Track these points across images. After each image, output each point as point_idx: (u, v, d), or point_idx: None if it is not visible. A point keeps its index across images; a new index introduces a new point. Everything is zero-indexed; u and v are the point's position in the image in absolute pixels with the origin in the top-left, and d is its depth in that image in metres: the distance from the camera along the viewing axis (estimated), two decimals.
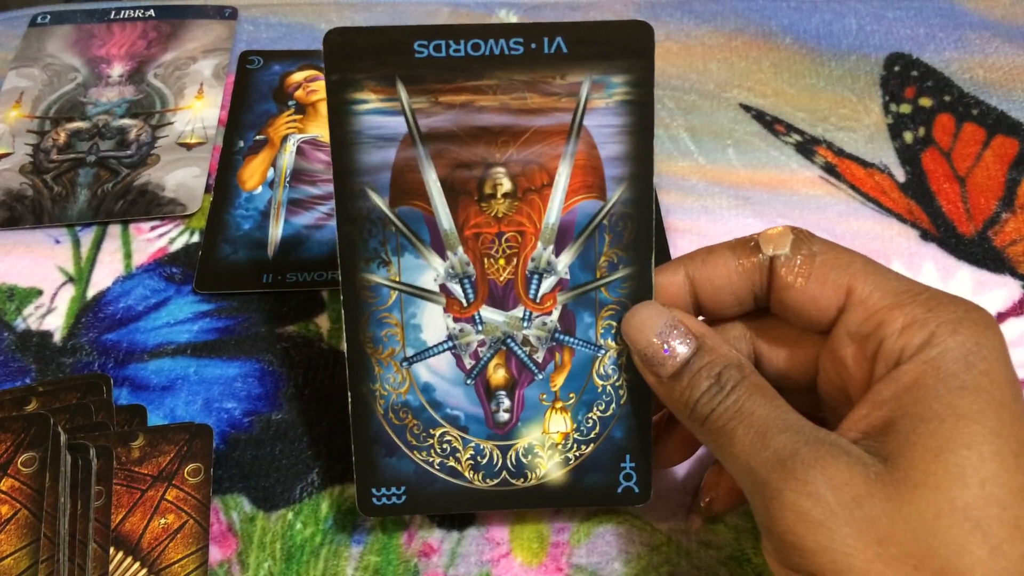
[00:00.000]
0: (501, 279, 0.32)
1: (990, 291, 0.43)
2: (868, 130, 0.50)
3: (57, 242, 0.45)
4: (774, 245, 0.30)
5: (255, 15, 0.56)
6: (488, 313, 0.32)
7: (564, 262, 0.32)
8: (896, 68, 0.53)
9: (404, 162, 0.30)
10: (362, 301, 0.31)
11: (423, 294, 0.31)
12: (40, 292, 0.43)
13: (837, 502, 0.25)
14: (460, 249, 0.31)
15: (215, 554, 0.35)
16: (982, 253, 0.44)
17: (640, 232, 0.31)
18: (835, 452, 0.25)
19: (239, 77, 0.52)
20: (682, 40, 0.54)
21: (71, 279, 0.43)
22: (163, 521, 0.34)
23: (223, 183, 0.46)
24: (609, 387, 0.32)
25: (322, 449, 0.37)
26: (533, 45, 0.30)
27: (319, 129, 0.49)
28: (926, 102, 0.51)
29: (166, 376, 0.39)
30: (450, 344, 0.32)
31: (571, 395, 0.33)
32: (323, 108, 0.50)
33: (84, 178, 0.47)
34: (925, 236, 0.45)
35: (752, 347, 0.32)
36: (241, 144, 0.48)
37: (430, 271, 0.31)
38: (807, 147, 0.49)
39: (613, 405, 0.33)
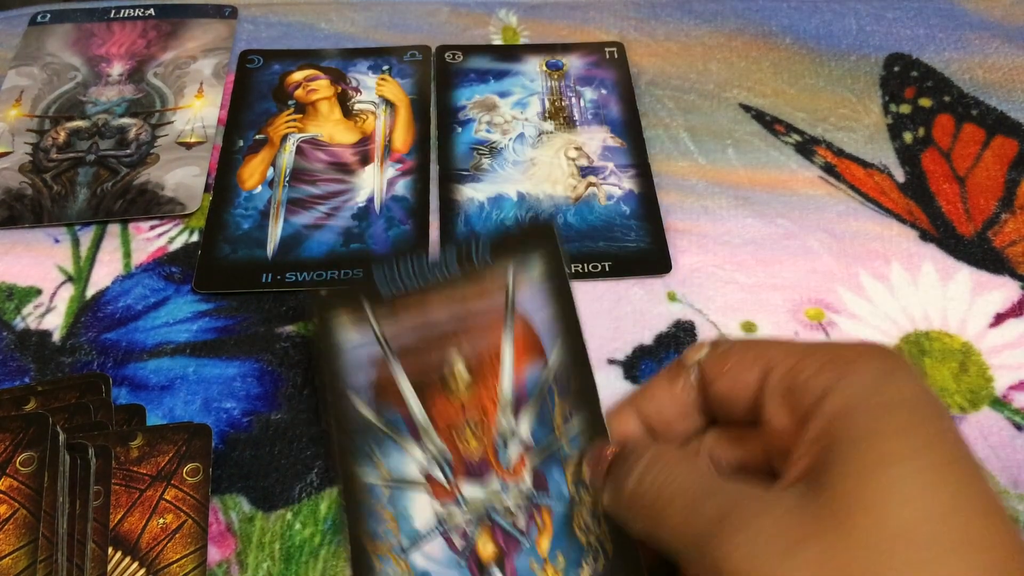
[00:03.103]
0: (475, 456, 0.34)
1: (989, 292, 0.43)
2: (868, 130, 0.50)
3: (56, 241, 0.44)
4: (696, 354, 0.32)
5: (255, 14, 0.56)
6: (469, 491, 0.34)
7: (524, 425, 0.35)
8: (896, 68, 0.53)
9: (382, 376, 0.36)
10: (359, 501, 0.34)
11: (410, 485, 0.34)
12: (39, 291, 0.43)
13: (773, 554, 0.24)
14: (436, 436, 0.35)
15: (214, 554, 0.35)
16: (981, 254, 0.44)
17: (583, 378, 0.35)
18: (764, 505, 0.26)
19: (239, 76, 0.52)
20: (682, 40, 0.54)
21: (70, 278, 0.43)
22: (162, 521, 0.34)
23: (223, 182, 0.46)
24: (593, 540, 0.33)
25: (321, 450, 0.37)
26: (464, 254, 0.37)
27: (319, 128, 0.49)
28: (926, 102, 0.51)
29: (165, 376, 0.39)
30: (440, 528, 0.34)
31: (559, 556, 0.33)
32: (323, 108, 0.50)
33: (83, 177, 0.47)
34: (924, 236, 0.45)
35: (710, 455, 0.33)
36: (241, 143, 0.48)
37: (413, 463, 0.34)
38: (807, 147, 0.49)
39: (601, 558, 0.33)
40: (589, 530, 0.33)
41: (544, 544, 0.33)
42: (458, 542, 0.33)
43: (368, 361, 0.36)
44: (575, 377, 0.35)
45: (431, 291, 0.36)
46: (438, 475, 0.34)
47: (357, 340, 0.36)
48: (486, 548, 0.33)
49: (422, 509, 0.34)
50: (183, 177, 0.47)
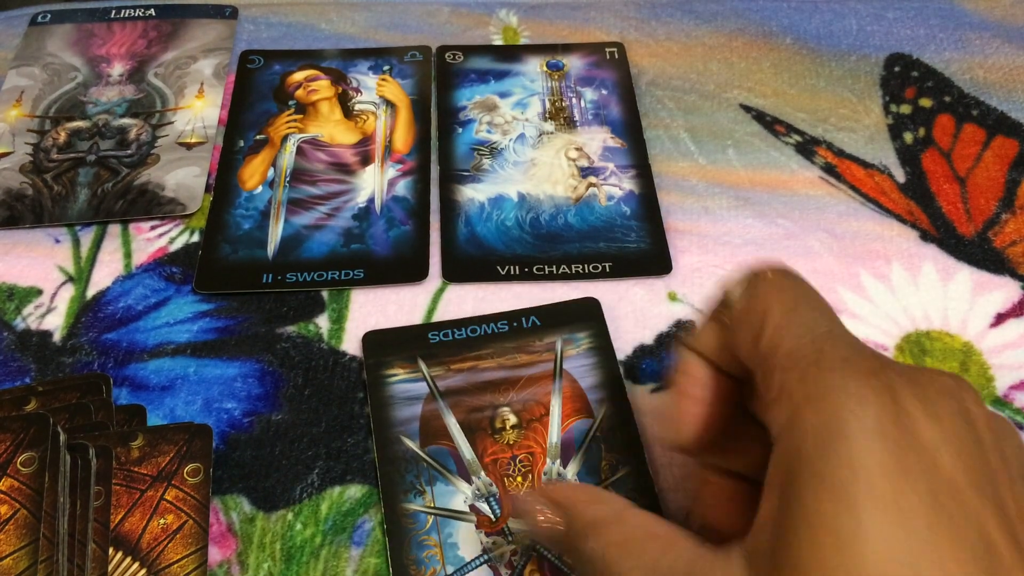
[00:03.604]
0: (521, 493, 0.35)
1: (989, 292, 0.43)
2: (868, 130, 0.50)
3: (57, 241, 0.44)
4: (732, 292, 0.29)
5: (256, 14, 0.56)
6: (516, 525, 0.35)
7: (572, 471, 0.36)
8: (896, 68, 0.53)
9: (429, 413, 0.38)
10: (403, 528, 0.35)
11: (456, 515, 0.35)
12: (40, 291, 0.43)
13: None
14: (482, 473, 0.36)
15: (215, 554, 0.35)
16: (982, 254, 0.44)
17: (630, 437, 0.37)
18: None
19: (239, 76, 0.52)
20: (682, 40, 0.54)
21: (71, 278, 0.43)
22: (162, 521, 0.34)
23: (223, 183, 0.46)
24: None
25: (322, 450, 0.37)
26: (515, 323, 0.40)
27: (319, 129, 0.49)
28: (926, 102, 0.51)
29: (166, 376, 0.39)
30: (486, 557, 0.34)
31: None
32: (323, 108, 0.50)
33: (84, 177, 0.47)
34: (925, 237, 0.45)
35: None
36: (241, 144, 0.48)
37: (459, 495, 0.36)
38: (807, 147, 0.49)
39: None
40: None
41: None
42: (504, 572, 0.34)
43: (416, 398, 0.38)
44: (623, 434, 0.37)
45: (479, 343, 0.39)
46: (484, 508, 0.35)
47: (405, 376, 0.38)
48: None
49: (468, 538, 0.35)
50: (184, 177, 0.47)
